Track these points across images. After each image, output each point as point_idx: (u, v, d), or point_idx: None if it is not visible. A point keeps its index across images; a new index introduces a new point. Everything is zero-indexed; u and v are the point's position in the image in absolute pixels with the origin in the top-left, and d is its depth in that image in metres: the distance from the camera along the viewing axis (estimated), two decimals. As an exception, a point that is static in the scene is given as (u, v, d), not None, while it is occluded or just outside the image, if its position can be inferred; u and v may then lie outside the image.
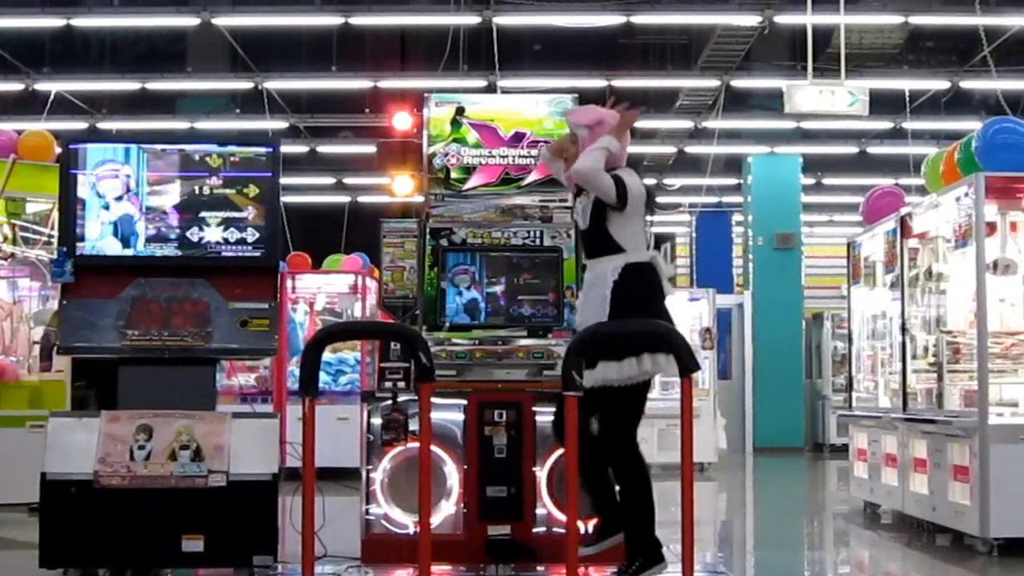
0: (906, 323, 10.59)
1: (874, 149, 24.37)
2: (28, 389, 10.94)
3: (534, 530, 7.44)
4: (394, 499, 7.49)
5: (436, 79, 17.67)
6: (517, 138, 8.35)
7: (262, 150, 8.06)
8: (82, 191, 7.75)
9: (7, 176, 10.98)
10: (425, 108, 8.40)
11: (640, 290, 6.65)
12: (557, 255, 7.97)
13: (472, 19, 17.34)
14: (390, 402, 7.40)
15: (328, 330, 7.56)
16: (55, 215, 10.06)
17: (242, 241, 7.92)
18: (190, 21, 18.32)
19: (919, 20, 18.25)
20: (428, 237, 8.09)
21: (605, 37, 20.30)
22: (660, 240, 29.05)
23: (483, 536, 7.42)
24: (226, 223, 7.92)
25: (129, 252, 7.87)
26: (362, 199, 26.39)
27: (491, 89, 18.24)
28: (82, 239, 7.73)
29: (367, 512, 7.53)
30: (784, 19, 17.48)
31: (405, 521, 7.41)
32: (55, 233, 9.86)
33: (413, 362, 6.25)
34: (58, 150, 8.93)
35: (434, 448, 6.91)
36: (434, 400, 6.29)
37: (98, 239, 7.75)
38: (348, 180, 26.60)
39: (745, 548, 10.72)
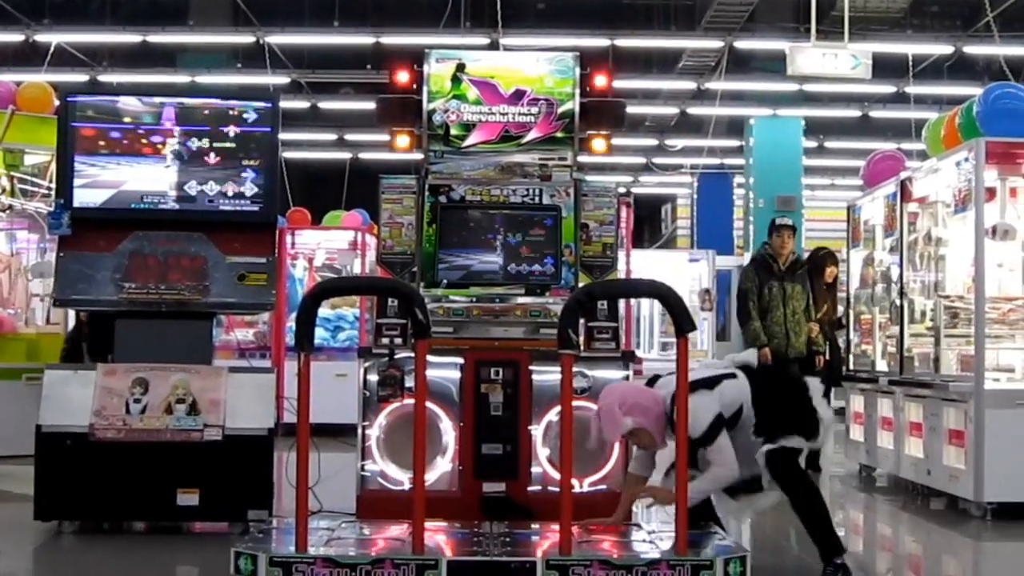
0: (904, 287, 10.58)
1: (876, 113, 24.34)
2: (25, 341, 10.94)
3: (529, 488, 7.44)
4: (390, 455, 7.48)
5: (438, 36, 17.62)
6: (517, 95, 8.27)
7: (261, 105, 8.06)
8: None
9: (6, 127, 10.96)
10: (425, 64, 8.32)
11: None
12: (556, 213, 7.93)
13: (475, -24, 17.28)
14: (387, 359, 7.39)
15: (323, 285, 7.53)
16: (53, 167, 10.04)
17: (240, 196, 7.92)
18: (192, -26, 18.27)
19: (923, -16, 18.21)
20: (427, 194, 8.04)
21: (609, -4, 20.28)
22: (661, 201, 29.00)
23: (478, 493, 7.41)
24: (224, 178, 7.92)
25: (127, 205, 7.87)
26: (363, 155, 26.36)
27: (494, 47, 18.15)
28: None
29: (363, 468, 7.52)
30: (788, -19, 17.43)
31: (401, 478, 7.41)
32: (53, 185, 9.84)
33: (410, 319, 6.22)
34: (57, 102, 8.89)
35: (430, 405, 6.91)
36: (430, 358, 6.28)
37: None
38: (349, 136, 26.55)
39: (740, 509, 10.70)
